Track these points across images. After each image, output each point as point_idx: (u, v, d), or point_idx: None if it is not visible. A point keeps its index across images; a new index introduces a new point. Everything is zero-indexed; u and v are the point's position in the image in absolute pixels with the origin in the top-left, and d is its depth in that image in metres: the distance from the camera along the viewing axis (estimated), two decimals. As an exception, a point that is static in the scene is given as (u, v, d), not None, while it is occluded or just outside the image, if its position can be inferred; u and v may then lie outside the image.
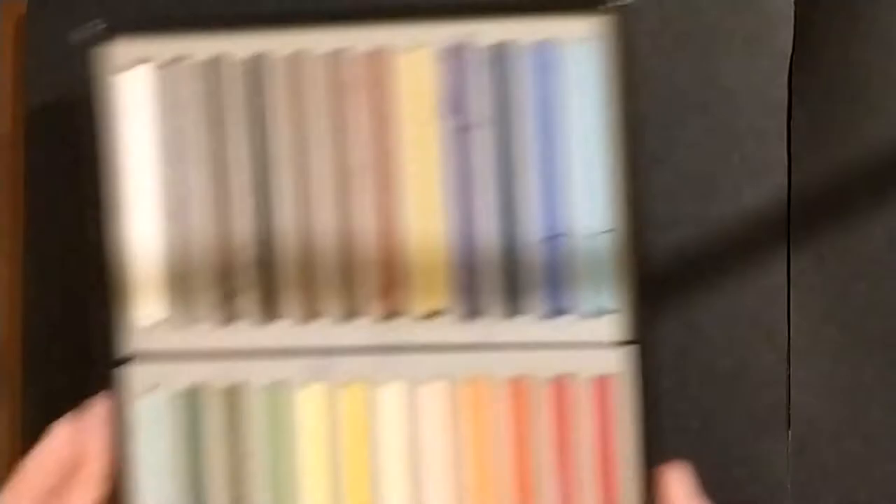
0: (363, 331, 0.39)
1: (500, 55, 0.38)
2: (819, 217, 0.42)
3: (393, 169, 0.39)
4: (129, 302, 0.39)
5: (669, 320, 0.42)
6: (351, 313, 0.39)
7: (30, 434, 0.43)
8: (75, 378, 0.43)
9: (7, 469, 0.44)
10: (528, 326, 0.38)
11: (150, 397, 0.39)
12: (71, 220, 0.44)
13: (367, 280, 0.39)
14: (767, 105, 0.41)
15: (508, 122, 0.38)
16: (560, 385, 0.38)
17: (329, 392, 0.39)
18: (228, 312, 0.39)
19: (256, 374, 0.39)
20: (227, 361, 0.39)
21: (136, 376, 0.39)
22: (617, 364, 0.38)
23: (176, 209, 0.39)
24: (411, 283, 0.39)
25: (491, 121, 0.38)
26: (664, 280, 0.42)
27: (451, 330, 0.38)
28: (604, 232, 0.38)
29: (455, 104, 0.38)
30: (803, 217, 0.42)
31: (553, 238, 0.38)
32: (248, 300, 0.39)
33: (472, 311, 0.39)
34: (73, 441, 0.38)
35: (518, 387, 0.38)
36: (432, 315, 0.39)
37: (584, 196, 0.38)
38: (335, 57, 0.39)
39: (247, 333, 0.39)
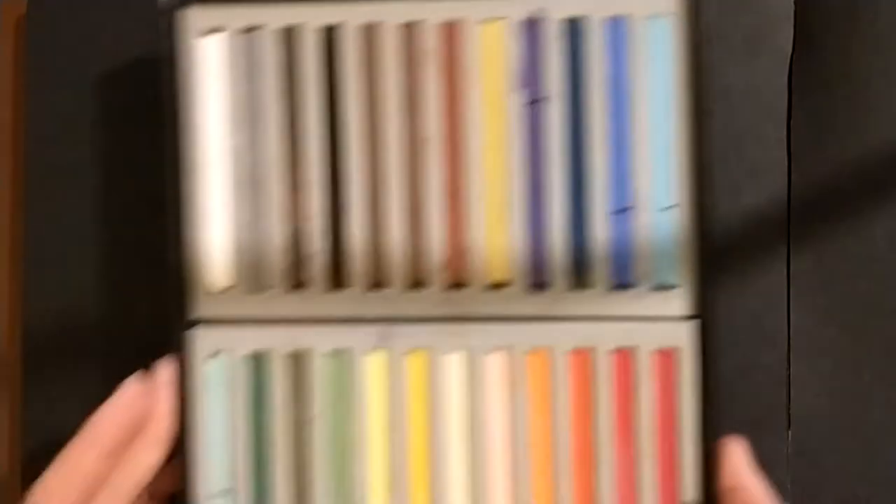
0: (428, 300, 0.39)
1: (573, 29, 0.39)
2: (819, 217, 0.42)
3: (463, 140, 0.39)
4: (199, 267, 0.39)
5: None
6: (416, 283, 0.39)
7: (30, 434, 0.43)
8: (77, 377, 0.44)
9: (7, 469, 0.44)
10: (593, 299, 0.39)
11: (216, 362, 0.40)
12: (71, 220, 0.44)
13: (433, 250, 0.39)
14: (767, 105, 0.41)
15: (580, 96, 0.39)
16: (623, 358, 0.39)
17: (392, 360, 0.39)
18: (296, 280, 0.40)
19: (321, 341, 0.39)
20: (293, 328, 0.39)
21: (202, 341, 0.39)
22: (680, 338, 0.38)
23: (247, 176, 0.40)
24: (477, 253, 0.39)
25: (562, 94, 0.39)
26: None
27: (515, 301, 0.39)
28: (670, 207, 0.38)
29: (527, 77, 0.39)
30: (803, 217, 0.42)
31: (620, 212, 0.39)
32: (316, 268, 0.39)
33: (538, 283, 0.39)
34: (141, 400, 0.38)
35: (581, 359, 0.39)
36: (497, 286, 0.39)
37: (653, 171, 0.38)
38: (409, 28, 0.39)
39: (313, 301, 0.39)
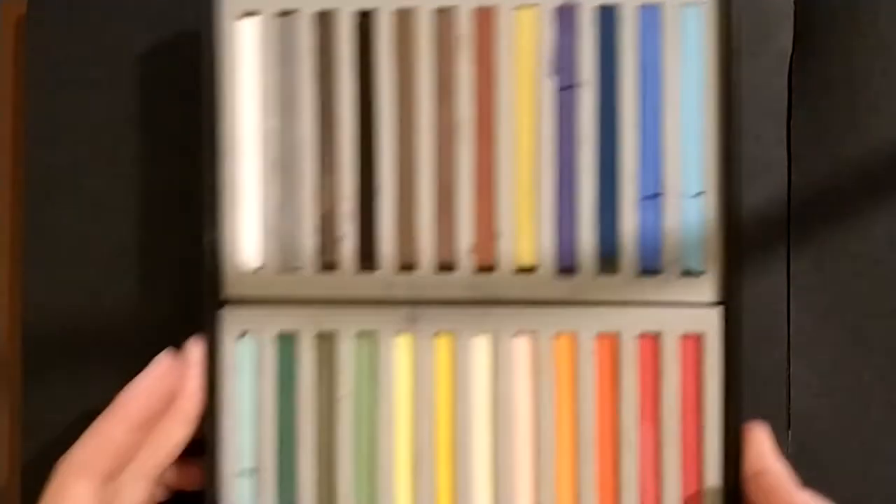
0: (456, 284, 0.40)
1: (607, 17, 0.39)
2: (819, 217, 0.42)
3: (494, 125, 0.40)
4: (229, 246, 0.40)
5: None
6: (445, 266, 0.40)
7: (30, 435, 0.43)
8: (75, 378, 0.44)
9: (7, 469, 0.44)
10: (620, 285, 0.39)
11: (244, 341, 0.40)
12: (71, 220, 0.44)
13: (462, 234, 0.40)
14: (767, 105, 0.41)
15: (612, 83, 0.39)
16: (649, 343, 0.39)
17: (419, 343, 0.40)
18: (325, 261, 0.40)
19: (350, 322, 0.40)
20: (322, 309, 0.40)
21: (231, 320, 0.40)
22: (706, 324, 0.39)
23: (279, 159, 0.40)
24: (506, 238, 0.39)
25: (594, 81, 0.39)
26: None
27: (543, 286, 0.39)
28: (698, 194, 0.39)
29: (561, 63, 0.39)
30: (803, 217, 0.42)
31: (649, 198, 0.39)
32: (345, 250, 0.40)
33: (565, 268, 0.39)
34: (172, 376, 0.39)
35: (607, 343, 0.39)
36: (525, 270, 0.40)
37: (683, 158, 0.39)
38: (443, 14, 0.40)
39: (342, 283, 0.40)
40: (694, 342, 0.39)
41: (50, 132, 0.44)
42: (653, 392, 0.39)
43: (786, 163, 0.42)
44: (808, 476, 0.39)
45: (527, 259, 0.40)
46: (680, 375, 0.39)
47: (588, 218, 0.39)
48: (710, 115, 0.39)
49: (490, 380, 0.40)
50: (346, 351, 0.40)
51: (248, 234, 0.40)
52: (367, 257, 0.40)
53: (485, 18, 0.40)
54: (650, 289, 0.39)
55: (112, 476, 0.37)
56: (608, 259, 0.39)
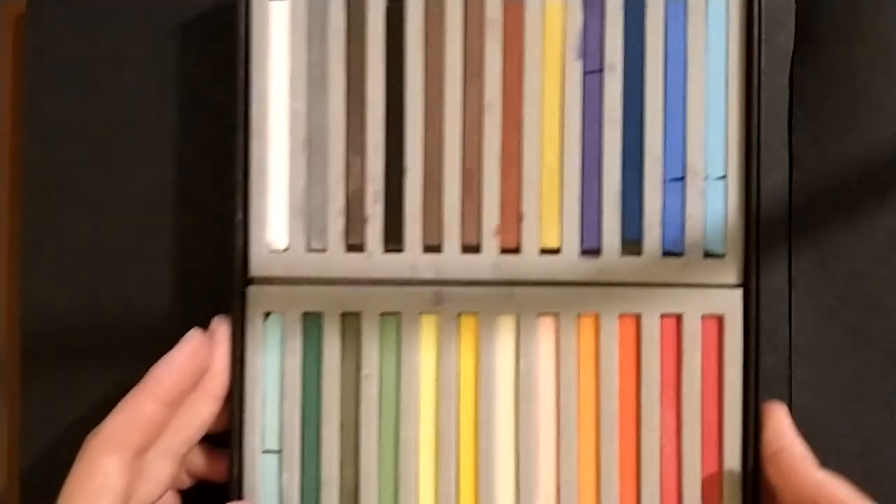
0: (481, 265, 0.40)
1: (634, 3, 0.40)
2: (820, 217, 0.42)
3: (522, 108, 0.40)
4: (256, 225, 0.40)
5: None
6: (470, 247, 0.40)
7: (29, 435, 0.43)
8: (75, 378, 0.43)
9: (6, 469, 0.44)
10: (643, 266, 0.40)
11: (270, 321, 0.40)
12: (70, 219, 0.44)
13: (488, 215, 0.40)
14: (767, 105, 0.41)
15: (638, 68, 0.40)
16: (670, 324, 0.40)
17: (444, 322, 0.40)
18: (352, 242, 0.40)
19: (375, 302, 0.40)
20: (347, 288, 0.40)
21: (257, 300, 0.40)
22: (727, 306, 0.39)
23: (308, 138, 0.41)
24: (531, 219, 0.40)
25: (621, 66, 0.40)
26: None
27: (567, 267, 0.40)
28: (721, 177, 0.40)
29: (587, 48, 0.40)
30: (804, 217, 0.42)
31: (672, 181, 0.40)
32: (372, 230, 0.40)
33: (590, 249, 0.40)
34: (201, 354, 0.39)
35: (629, 324, 0.40)
36: (550, 252, 0.40)
37: (706, 142, 0.40)
38: (476, -2, 0.40)
39: (368, 263, 0.40)
40: (715, 323, 0.40)
41: (49, 131, 0.44)
42: (674, 372, 0.40)
43: (787, 162, 0.42)
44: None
45: (551, 241, 0.40)
46: (701, 356, 0.40)
47: (612, 200, 0.40)
48: (733, 101, 0.40)
49: (513, 360, 0.40)
50: (371, 330, 0.40)
51: (275, 215, 0.41)
52: (394, 238, 0.40)
53: (514, 2, 0.40)
54: (672, 271, 0.40)
55: (141, 452, 0.37)
56: (631, 241, 0.40)
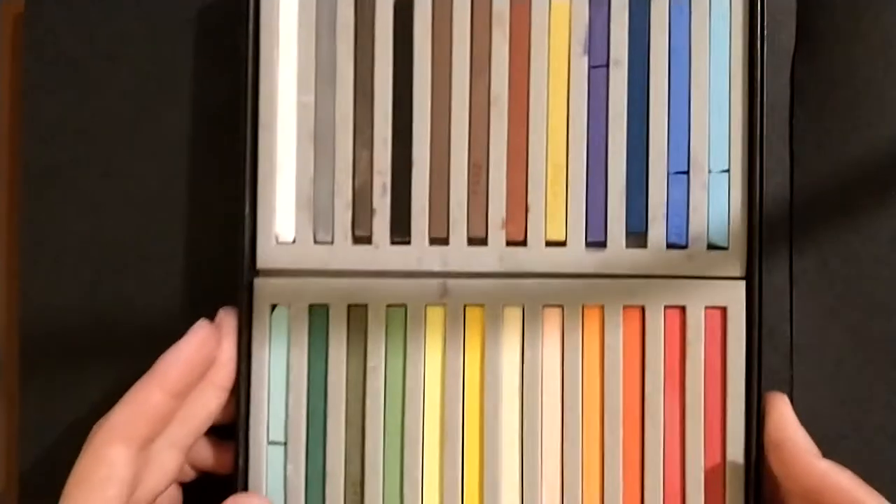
0: (488, 257, 0.40)
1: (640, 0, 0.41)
2: (821, 217, 0.42)
3: (528, 101, 0.41)
4: (263, 217, 0.40)
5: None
6: (477, 240, 0.41)
7: (27, 436, 0.43)
8: (74, 378, 0.43)
9: (5, 470, 0.44)
10: (648, 258, 0.40)
11: (276, 313, 0.40)
12: (70, 219, 0.44)
13: (494, 208, 0.41)
14: (768, 105, 0.41)
15: (643, 63, 0.41)
16: (674, 315, 0.40)
17: (450, 314, 0.40)
18: (359, 234, 0.41)
19: (381, 294, 0.40)
20: (354, 281, 0.40)
21: (264, 291, 0.40)
22: (730, 298, 0.40)
23: (315, 130, 0.41)
24: (537, 212, 0.40)
25: (626, 61, 0.41)
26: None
27: (573, 259, 0.40)
28: (724, 171, 0.40)
29: (593, 43, 0.41)
30: (805, 217, 0.42)
31: (676, 174, 0.40)
32: (379, 222, 0.41)
33: (595, 241, 0.41)
34: (209, 345, 0.39)
35: (634, 315, 0.40)
36: (556, 244, 0.41)
37: (709, 136, 0.40)
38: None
39: (375, 255, 0.41)
40: (718, 315, 0.40)
41: (48, 131, 0.44)
42: (678, 363, 0.40)
43: (788, 162, 0.42)
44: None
45: (557, 233, 0.41)
46: (704, 347, 0.40)
47: (617, 193, 0.40)
48: (737, 96, 0.40)
49: (519, 351, 0.40)
50: (377, 323, 0.40)
51: (282, 207, 0.41)
52: (400, 231, 0.41)
53: (522, -1, 0.41)
54: (676, 263, 0.40)
55: (147, 442, 0.37)
56: (636, 234, 0.40)
